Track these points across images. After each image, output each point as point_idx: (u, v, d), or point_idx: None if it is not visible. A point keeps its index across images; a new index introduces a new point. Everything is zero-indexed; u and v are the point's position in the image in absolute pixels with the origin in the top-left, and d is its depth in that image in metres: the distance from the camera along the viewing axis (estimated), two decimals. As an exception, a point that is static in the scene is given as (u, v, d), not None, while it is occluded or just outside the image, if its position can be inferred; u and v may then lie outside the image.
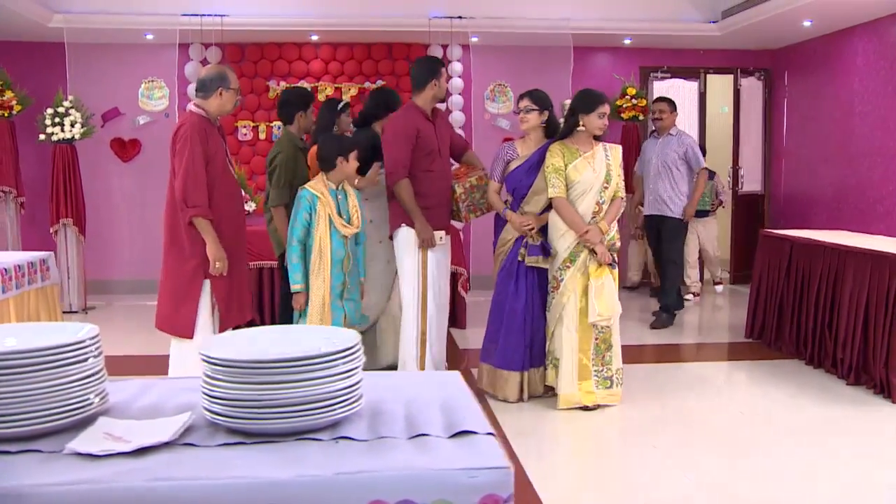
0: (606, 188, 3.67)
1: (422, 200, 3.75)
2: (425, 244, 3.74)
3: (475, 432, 1.23)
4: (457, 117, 7.01)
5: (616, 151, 3.71)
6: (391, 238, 3.89)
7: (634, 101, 6.81)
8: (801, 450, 3.25)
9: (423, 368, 3.83)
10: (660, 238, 5.51)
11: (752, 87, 7.52)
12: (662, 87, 7.41)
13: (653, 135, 5.80)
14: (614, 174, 3.66)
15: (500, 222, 3.86)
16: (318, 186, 3.36)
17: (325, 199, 3.35)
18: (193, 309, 3.31)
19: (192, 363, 3.28)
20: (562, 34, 6.61)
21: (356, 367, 1.29)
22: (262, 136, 6.77)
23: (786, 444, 3.31)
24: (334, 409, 1.24)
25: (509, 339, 3.72)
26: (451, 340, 5.00)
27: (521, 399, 3.75)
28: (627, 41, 7.01)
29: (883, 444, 3.33)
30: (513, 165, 3.78)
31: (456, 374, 1.57)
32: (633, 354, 4.53)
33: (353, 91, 6.88)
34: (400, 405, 1.38)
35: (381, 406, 1.38)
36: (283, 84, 6.77)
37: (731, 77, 7.44)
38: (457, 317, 5.37)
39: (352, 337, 1.33)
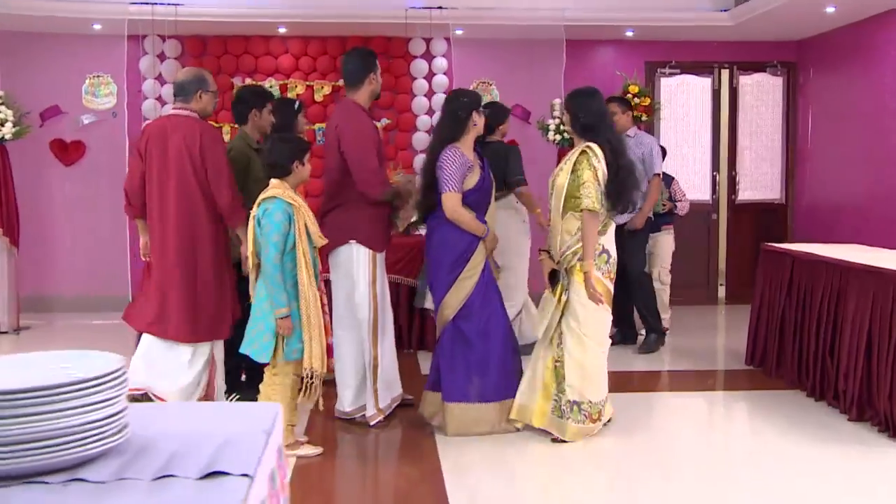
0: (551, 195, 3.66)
1: (380, 210, 3.81)
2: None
3: (228, 473, 1.16)
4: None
5: (576, 155, 3.60)
6: (328, 254, 3.84)
7: (637, 99, 6.70)
8: (787, 498, 3.10)
9: (376, 393, 3.83)
10: (622, 252, 5.35)
11: (769, 84, 7.40)
12: (671, 84, 7.33)
13: None
14: (559, 179, 3.63)
15: (449, 237, 3.72)
16: (287, 194, 3.29)
17: (301, 207, 3.32)
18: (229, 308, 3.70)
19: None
20: (553, 26, 6.54)
21: (100, 401, 1.21)
22: (227, 137, 6.74)
23: (771, 490, 3.17)
24: (68, 448, 1.17)
25: (505, 365, 3.72)
26: (413, 366, 4.96)
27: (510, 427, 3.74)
28: (629, 33, 6.92)
29: (884, 494, 3.14)
30: (475, 176, 3.70)
31: (273, 407, 1.50)
32: (618, 381, 4.47)
33: (327, 89, 6.88)
34: (176, 441, 1.31)
35: (153, 442, 1.31)
36: (249, 81, 6.78)
37: (751, 73, 7.35)
38: (424, 339, 5.37)
39: (103, 365, 1.25)
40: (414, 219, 4.00)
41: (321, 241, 3.39)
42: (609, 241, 3.65)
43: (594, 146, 3.57)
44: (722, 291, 7.49)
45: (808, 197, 7.17)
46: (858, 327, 3.92)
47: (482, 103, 3.83)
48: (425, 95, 6.98)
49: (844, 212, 6.50)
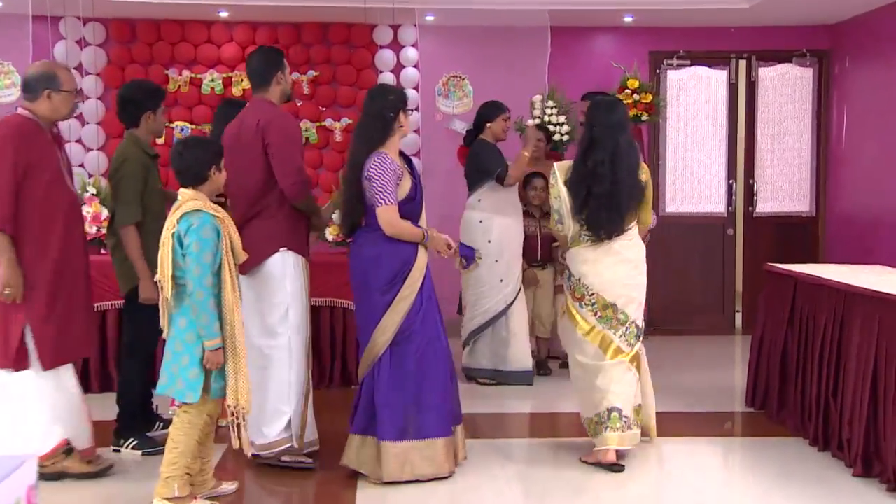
0: None
1: (303, 216, 3.93)
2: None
3: None
4: (410, 118, 6.88)
5: None
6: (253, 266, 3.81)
7: (638, 96, 6.61)
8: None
9: (303, 428, 3.85)
10: None
11: (795, 76, 7.30)
12: (679, 78, 7.27)
13: None
14: None
15: (384, 253, 3.69)
16: (210, 205, 3.26)
17: (227, 222, 3.29)
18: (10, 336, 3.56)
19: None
20: (536, 11, 6.52)
21: None
22: (160, 139, 6.71)
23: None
24: None
25: (447, 394, 3.75)
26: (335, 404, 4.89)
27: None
28: (629, 19, 6.86)
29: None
30: (407, 184, 3.70)
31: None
32: None
33: (278, 83, 6.84)
34: None
35: None
36: (187, 73, 6.78)
37: (774, 63, 7.26)
38: (347, 373, 5.42)
39: None
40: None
41: (243, 256, 3.37)
42: (575, 261, 3.94)
43: (556, 165, 4.00)
44: (739, 319, 7.35)
45: (843, 209, 7.04)
46: (864, 363, 3.82)
47: (406, 102, 3.84)
48: (393, 91, 6.93)
49: (885, 226, 6.35)
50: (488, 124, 5.41)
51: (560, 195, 3.92)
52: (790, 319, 4.52)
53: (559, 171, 3.95)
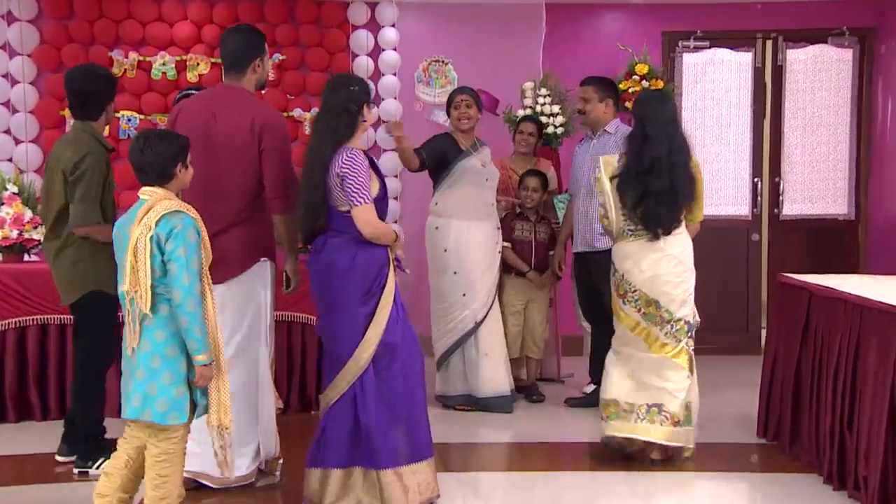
0: None
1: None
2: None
3: None
4: (389, 108, 6.92)
5: None
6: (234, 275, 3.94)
7: (646, 83, 6.57)
8: None
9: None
10: (590, 283, 5.39)
11: (831, 59, 7.24)
12: (697, 62, 7.22)
13: (585, 136, 5.66)
14: None
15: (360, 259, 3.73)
16: (184, 206, 3.29)
17: (202, 225, 3.33)
18: None
19: None
20: (530, -15, 6.53)
21: None
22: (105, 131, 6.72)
23: None
24: None
25: (423, 417, 3.85)
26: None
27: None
28: (638, -6, 6.84)
29: None
30: (375, 186, 3.75)
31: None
32: (593, 454, 4.68)
33: (239, 68, 6.85)
34: None
35: None
36: (134, 56, 6.79)
37: (805, 44, 7.21)
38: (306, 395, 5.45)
39: None
40: None
41: (208, 262, 3.39)
42: (618, 256, 4.38)
43: (602, 160, 4.43)
44: (765, 337, 7.24)
45: (889, 212, 6.97)
46: (880, 390, 3.78)
47: (370, 94, 3.90)
48: (370, 78, 6.91)
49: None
50: (450, 116, 5.46)
51: (604, 189, 4.36)
52: (804, 338, 4.49)
53: (604, 166, 4.38)
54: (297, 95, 6.91)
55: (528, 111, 6.32)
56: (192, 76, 6.73)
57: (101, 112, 4.24)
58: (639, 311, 4.32)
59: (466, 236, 5.32)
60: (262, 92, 6.64)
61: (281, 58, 6.84)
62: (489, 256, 5.39)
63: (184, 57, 6.80)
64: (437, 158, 5.32)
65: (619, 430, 4.41)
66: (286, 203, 3.87)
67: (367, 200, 3.64)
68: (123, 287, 3.20)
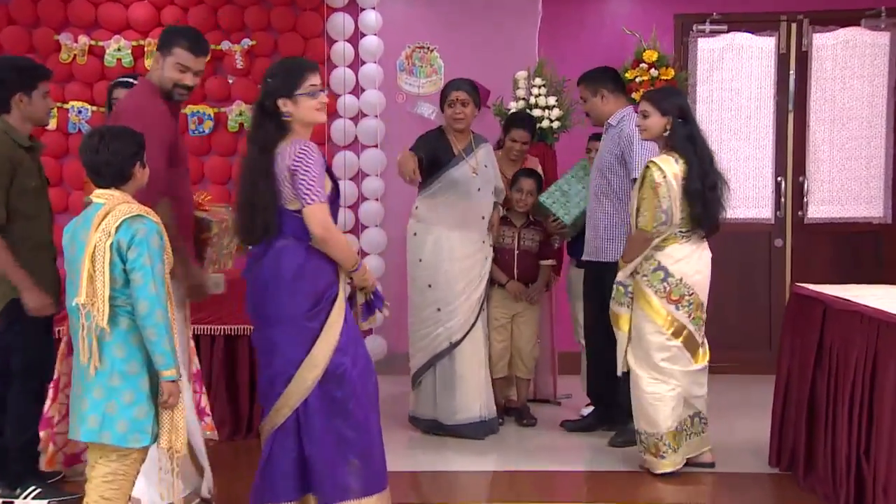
0: None
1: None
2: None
3: None
4: (371, 99, 6.94)
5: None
6: None
7: (655, 71, 6.58)
8: None
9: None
10: (596, 297, 5.33)
11: (864, 43, 7.23)
12: (714, 48, 7.24)
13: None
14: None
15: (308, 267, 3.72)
16: (144, 209, 3.33)
17: (164, 230, 3.37)
18: None
19: None
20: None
21: None
22: (52, 124, 6.76)
23: None
24: None
25: (377, 445, 3.85)
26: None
27: None
28: (645, -28, 6.85)
29: None
30: (328, 185, 3.76)
31: None
32: (591, 484, 4.76)
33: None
34: None
35: None
36: (84, 41, 6.80)
37: (834, 27, 7.21)
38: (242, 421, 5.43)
39: None
40: (228, 265, 4.23)
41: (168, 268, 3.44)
42: (671, 259, 4.62)
43: (662, 161, 4.58)
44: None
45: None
46: None
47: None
48: (349, 66, 6.97)
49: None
50: (443, 111, 5.48)
51: (670, 194, 4.54)
52: (818, 357, 4.49)
53: (666, 166, 4.56)
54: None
55: (521, 103, 6.34)
56: (150, 64, 6.72)
57: (6, 104, 4.18)
58: (689, 315, 4.62)
59: (446, 247, 5.33)
60: (230, 81, 6.80)
61: (251, 43, 6.89)
62: (472, 272, 5.37)
63: (141, 42, 6.82)
64: (429, 161, 5.34)
65: (677, 462, 4.74)
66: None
67: (320, 198, 3.62)
68: (77, 299, 3.21)
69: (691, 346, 4.67)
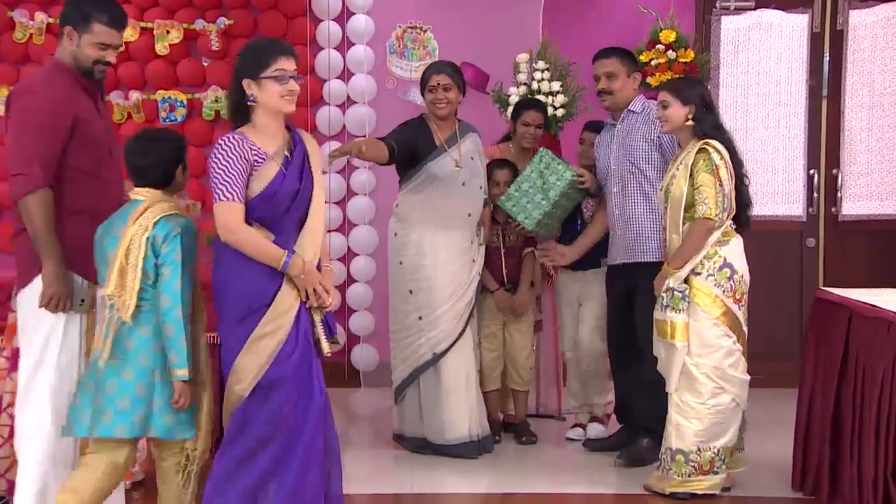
0: None
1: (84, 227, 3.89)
2: (53, 303, 3.81)
3: None
4: (359, 85, 6.95)
5: (693, 154, 4.78)
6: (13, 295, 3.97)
7: (673, 53, 6.55)
8: None
9: None
10: (631, 304, 5.31)
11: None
12: (739, 27, 7.22)
13: (606, 125, 5.62)
14: (675, 189, 4.82)
15: (231, 272, 3.73)
16: (181, 209, 3.78)
17: (198, 231, 3.74)
18: None
19: None
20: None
21: None
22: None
23: None
24: None
25: (316, 476, 3.79)
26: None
27: None
28: (661, -55, 6.83)
29: None
30: (268, 173, 3.72)
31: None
32: None
33: (176, 36, 6.94)
34: None
35: None
36: (42, 18, 6.80)
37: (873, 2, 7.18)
38: None
39: None
40: None
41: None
42: (735, 254, 4.72)
43: (715, 142, 4.67)
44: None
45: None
46: None
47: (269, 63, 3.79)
48: (336, 49, 6.99)
49: None
50: (424, 98, 5.46)
51: (731, 175, 4.69)
52: (843, 369, 4.48)
53: (714, 152, 4.64)
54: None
55: (522, 88, 6.33)
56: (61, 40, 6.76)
57: None
58: (745, 316, 4.75)
59: (429, 249, 5.31)
60: (205, 64, 6.81)
61: (227, 23, 6.90)
62: (459, 277, 5.34)
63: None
64: (408, 152, 5.32)
65: (723, 480, 4.80)
66: (19, 186, 3.78)
67: (226, 196, 3.61)
68: (104, 290, 3.60)
69: (745, 351, 4.78)
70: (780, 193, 7.21)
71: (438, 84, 5.35)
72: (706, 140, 4.66)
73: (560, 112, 6.28)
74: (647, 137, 5.25)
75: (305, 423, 3.71)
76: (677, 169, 4.74)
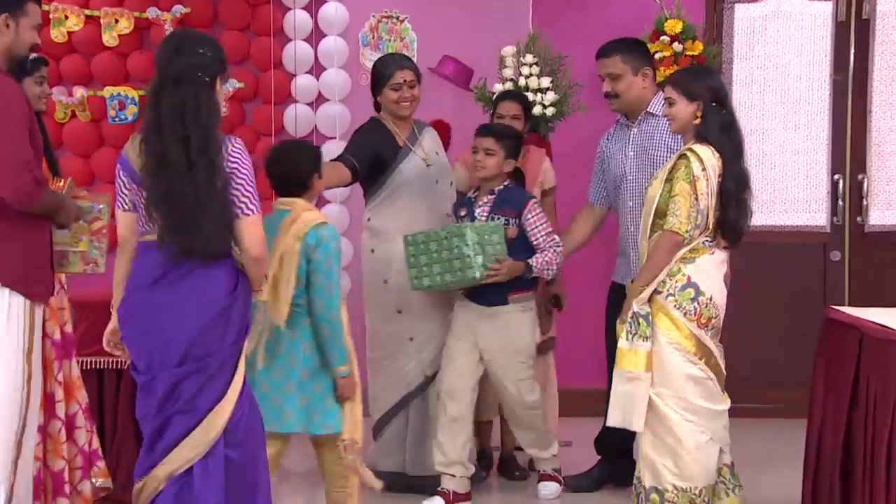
0: None
1: (36, 234, 4.08)
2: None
3: None
4: (330, 81, 7.01)
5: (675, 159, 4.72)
6: None
7: (680, 45, 6.62)
8: None
9: None
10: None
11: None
12: (753, 17, 7.29)
13: (617, 123, 5.66)
14: (651, 191, 4.83)
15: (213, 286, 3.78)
16: (325, 217, 4.43)
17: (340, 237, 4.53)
18: None
19: None
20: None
21: None
22: None
23: None
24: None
25: None
26: None
27: None
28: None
29: None
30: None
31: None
32: None
33: (126, 26, 7.01)
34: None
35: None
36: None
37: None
38: None
39: None
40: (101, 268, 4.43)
41: None
42: (702, 273, 4.64)
43: (702, 149, 4.61)
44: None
45: None
46: None
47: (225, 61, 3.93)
48: (305, 40, 7.06)
49: None
50: (378, 97, 5.48)
51: (708, 190, 4.58)
52: (854, 396, 4.49)
53: (705, 156, 4.58)
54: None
55: (509, 84, 6.38)
56: (57, 34, 6.87)
57: None
58: (714, 341, 4.70)
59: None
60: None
61: (184, 11, 6.96)
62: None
63: (45, 7, 6.81)
64: (371, 163, 5.35)
65: None
66: (19, 195, 3.86)
67: (258, 209, 3.75)
68: (259, 297, 4.11)
69: (720, 379, 4.73)
70: (800, 201, 7.27)
71: (405, 81, 5.38)
72: (691, 146, 4.61)
73: (550, 111, 6.27)
74: (672, 147, 5.17)
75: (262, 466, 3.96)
76: (661, 171, 4.77)
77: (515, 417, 5.44)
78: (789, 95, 7.31)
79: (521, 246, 5.18)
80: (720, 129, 4.66)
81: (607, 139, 5.65)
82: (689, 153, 4.58)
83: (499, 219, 5.18)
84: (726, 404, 4.78)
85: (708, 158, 4.56)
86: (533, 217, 5.20)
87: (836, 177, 7.29)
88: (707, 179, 4.55)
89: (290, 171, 4.41)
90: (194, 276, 3.68)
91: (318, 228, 4.27)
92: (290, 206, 4.33)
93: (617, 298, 5.41)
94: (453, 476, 5.20)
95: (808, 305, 7.20)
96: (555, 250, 5.21)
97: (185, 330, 3.65)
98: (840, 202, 7.28)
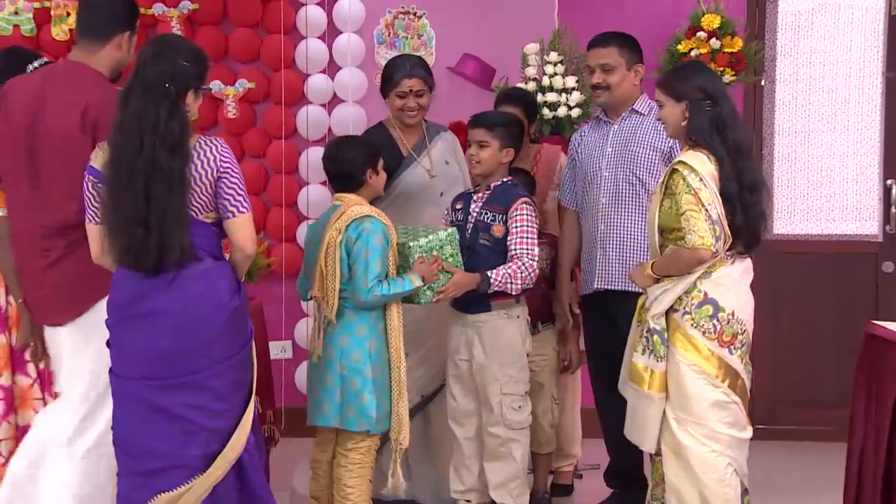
0: None
1: None
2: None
3: None
4: (345, 81, 7.03)
5: (667, 175, 4.65)
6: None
7: (718, 42, 6.60)
8: None
9: None
10: (619, 339, 5.15)
11: None
12: (799, 11, 7.29)
13: (594, 121, 5.69)
14: (651, 208, 4.82)
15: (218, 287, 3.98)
16: (374, 211, 4.71)
17: (392, 232, 4.73)
18: None
19: None
20: None
21: None
22: None
23: None
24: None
25: None
26: None
27: None
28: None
29: None
30: None
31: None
32: None
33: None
34: None
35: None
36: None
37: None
38: None
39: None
40: None
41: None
42: (720, 288, 4.55)
43: (693, 159, 4.52)
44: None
45: None
46: None
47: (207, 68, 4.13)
48: (320, 38, 7.07)
49: None
50: (385, 99, 5.51)
51: (714, 199, 4.48)
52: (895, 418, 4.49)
53: (698, 165, 4.49)
54: (215, 62, 7.00)
55: (532, 84, 6.38)
56: (58, 32, 6.90)
57: None
58: (742, 361, 4.61)
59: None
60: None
61: (192, 7, 7.00)
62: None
63: (46, 4, 6.93)
64: None
65: None
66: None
67: (250, 207, 4.02)
68: (312, 292, 4.68)
69: (746, 403, 4.61)
70: (850, 208, 7.25)
71: (411, 90, 5.38)
72: (681, 159, 4.53)
73: (575, 112, 6.31)
74: (656, 146, 5.29)
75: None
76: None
77: (489, 448, 5.15)
78: (838, 95, 7.30)
79: (504, 248, 5.11)
80: (711, 128, 4.56)
81: (580, 136, 5.67)
82: (679, 166, 4.50)
83: (487, 216, 5.10)
84: (750, 431, 4.67)
85: (702, 166, 4.48)
86: (516, 217, 5.05)
87: (888, 182, 7.25)
88: (707, 188, 4.46)
89: (342, 167, 4.76)
90: (177, 284, 3.85)
91: (361, 221, 4.60)
92: (343, 200, 4.71)
93: (594, 312, 5.52)
94: (469, 503, 5.20)
95: (857, 320, 7.14)
96: (523, 262, 4.98)
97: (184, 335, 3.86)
98: (893, 209, 7.24)
